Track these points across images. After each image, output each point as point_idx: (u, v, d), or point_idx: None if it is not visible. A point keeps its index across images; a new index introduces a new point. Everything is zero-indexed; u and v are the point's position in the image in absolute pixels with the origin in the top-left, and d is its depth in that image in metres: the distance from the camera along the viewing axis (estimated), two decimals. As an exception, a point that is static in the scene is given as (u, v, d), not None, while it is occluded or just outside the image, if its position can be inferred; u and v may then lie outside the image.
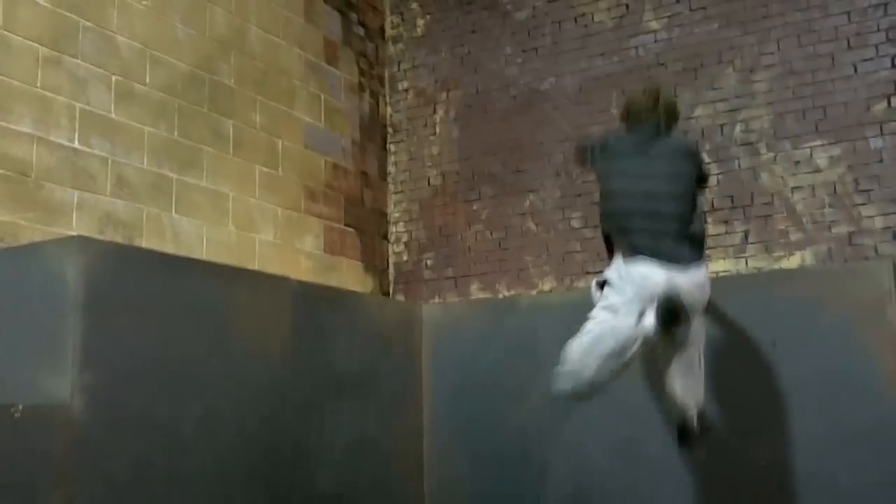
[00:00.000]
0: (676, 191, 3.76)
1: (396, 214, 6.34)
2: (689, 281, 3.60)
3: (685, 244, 3.67)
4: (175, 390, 3.60)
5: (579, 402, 3.98)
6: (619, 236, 3.80)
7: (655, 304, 3.53)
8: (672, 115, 3.97)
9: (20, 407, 2.98)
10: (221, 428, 3.81)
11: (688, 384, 3.82)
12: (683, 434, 3.88)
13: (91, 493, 3.19)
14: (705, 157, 3.93)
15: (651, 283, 3.55)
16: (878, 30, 4.94)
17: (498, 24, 6.13)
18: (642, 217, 3.70)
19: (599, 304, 3.71)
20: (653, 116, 3.90)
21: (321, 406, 4.48)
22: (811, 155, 5.03)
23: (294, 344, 4.31)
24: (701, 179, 3.99)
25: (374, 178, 6.27)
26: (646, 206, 3.71)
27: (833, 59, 5.03)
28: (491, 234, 5.94)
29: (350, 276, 5.88)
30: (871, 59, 4.93)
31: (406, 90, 6.45)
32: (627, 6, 5.69)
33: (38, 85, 4.04)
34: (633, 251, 3.66)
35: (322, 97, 5.87)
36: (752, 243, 5.11)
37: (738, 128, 5.24)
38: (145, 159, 4.51)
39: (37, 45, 4.05)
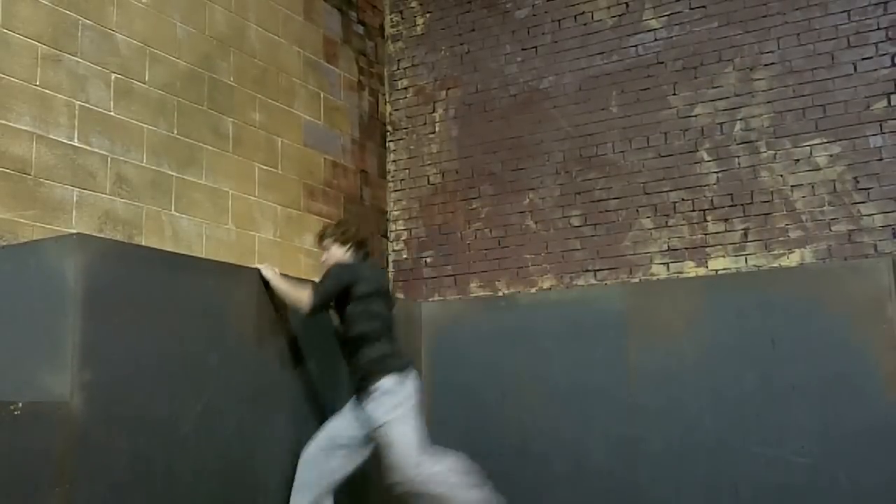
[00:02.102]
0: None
1: (396, 212, 6.34)
2: None
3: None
4: (174, 388, 3.60)
5: None
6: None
7: None
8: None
9: (20, 405, 2.98)
10: (221, 425, 3.81)
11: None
12: None
13: (90, 490, 3.19)
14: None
15: None
16: (878, 28, 4.94)
17: (497, 22, 6.13)
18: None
19: None
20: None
21: (320, 404, 4.48)
22: (811, 153, 5.03)
23: (294, 341, 4.30)
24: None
25: (373, 177, 6.27)
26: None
27: (833, 57, 5.03)
28: (490, 232, 5.94)
29: (350, 275, 5.88)
30: (870, 57, 4.94)
31: (406, 88, 6.45)
32: (627, 5, 5.68)
33: (38, 83, 4.04)
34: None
35: (321, 95, 5.87)
36: (751, 241, 5.11)
37: (738, 126, 5.24)
38: (145, 157, 4.51)
39: (36, 43, 4.05)
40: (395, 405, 3.86)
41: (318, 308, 3.98)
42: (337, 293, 4.00)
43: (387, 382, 3.89)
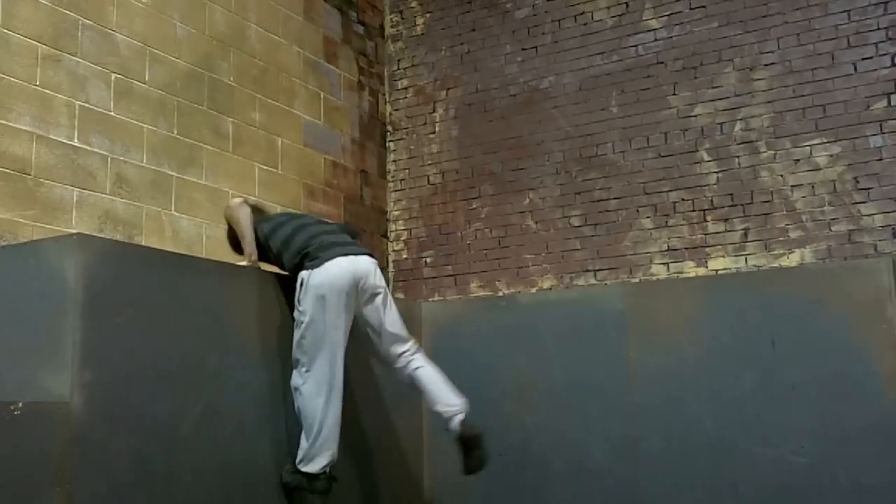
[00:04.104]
0: None
1: (396, 212, 6.34)
2: None
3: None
4: (175, 388, 3.60)
5: None
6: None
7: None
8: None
9: (20, 405, 2.98)
10: (221, 425, 3.81)
11: None
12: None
13: (90, 490, 3.18)
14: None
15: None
16: (878, 28, 4.94)
17: (497, 22, 6.14)
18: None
19: None
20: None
21: (321, 404, 4.48)
22: (811, 153, 5.03)
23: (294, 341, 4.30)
24: None
25: (373, 177, 6.27)
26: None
27: (833, 57, 5.03)
28: (490, 232, 5.94)
29: (350, 275, 5.88)
30: (870, 57, 4.94)
31: (406, 88, 6.45)
32: (627, 5, 5.69)
33: (38, 83, 4.04)
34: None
35: (321, 95, 5.87)
36: (751, 241, 5.12)
37: (738, 126, 5.25)
38: (145, 157, 4.51)
39: (36, 43, 4.05)
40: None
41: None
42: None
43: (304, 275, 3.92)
